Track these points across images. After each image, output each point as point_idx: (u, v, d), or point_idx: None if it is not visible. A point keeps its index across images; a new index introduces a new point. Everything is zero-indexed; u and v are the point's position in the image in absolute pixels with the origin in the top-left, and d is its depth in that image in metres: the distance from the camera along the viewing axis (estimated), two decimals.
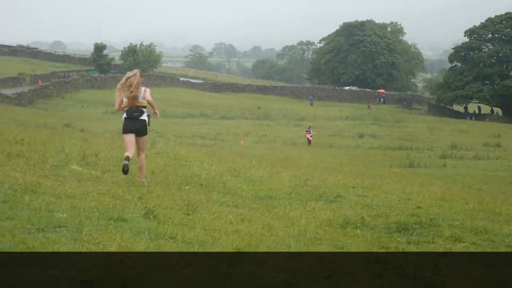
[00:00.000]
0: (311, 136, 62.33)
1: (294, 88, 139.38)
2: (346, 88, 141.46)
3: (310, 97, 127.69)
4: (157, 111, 16.37)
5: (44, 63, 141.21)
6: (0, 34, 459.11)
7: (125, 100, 15.29)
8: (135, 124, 15.56)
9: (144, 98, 15.38)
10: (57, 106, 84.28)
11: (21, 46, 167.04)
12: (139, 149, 15.92)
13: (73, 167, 16.66)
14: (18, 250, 8.24)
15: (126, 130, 15.66)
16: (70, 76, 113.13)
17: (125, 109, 15.50)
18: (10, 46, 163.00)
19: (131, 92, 15.09)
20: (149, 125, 15.99)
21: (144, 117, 15.62)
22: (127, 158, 15.34)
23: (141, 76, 15.51)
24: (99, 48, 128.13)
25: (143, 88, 15.39)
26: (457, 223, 14.33)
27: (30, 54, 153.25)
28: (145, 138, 16.04)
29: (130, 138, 15.63)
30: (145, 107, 15.57)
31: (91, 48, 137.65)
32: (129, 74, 15.35)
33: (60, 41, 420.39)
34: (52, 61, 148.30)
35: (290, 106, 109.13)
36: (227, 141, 55.82)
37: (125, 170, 15.26)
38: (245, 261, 9.41)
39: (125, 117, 15.57)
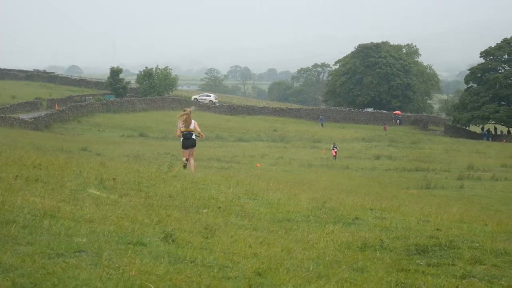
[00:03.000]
0: (336, 151, 66.22)
1: (309, 110, 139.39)
2: (369, 110, 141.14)
3: (320, 117, 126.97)
4: (202, 134, 26.15)
5: (60, 87, 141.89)
6: (16, 59, 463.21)
7: (182, 127, 24.87)
8: (189, 141, 25.21)
9: (194, 127, 25.10)
10: (74, 130, 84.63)
11: (37, 71, 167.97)
12: (191, 156, 25.36)
13: (91, 191, 16.68)
14: (39, 275, 8.25)
15: (184, 146, 25.37)
16: (87, 100, 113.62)
17: (182, 133, 25.06)
18: (26, 71, 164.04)
19: (186, 122, 24.81)
20: (196, 142, 25.77)
21: (193, 137, 25.30)
22: (185, 160, 25.44)
23: (190, 112, 25.17)
24: (115, 72, 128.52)
25: (193, 121, 25.14)
26: (477, 245, 14.23)
27: (46, 79, 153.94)
28: (194, 149, 25.57)
29: (186, 151, 25.35)
30: (193, 131, 25.20)
31: (107, 72, 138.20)
32: (186, 111, 25.13)
33: (76, 66, 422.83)
34: (68, 85, 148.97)
35: (305, 128, 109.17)
36: (243, 163, 55.78)
37: (185, 165, 25.39)
38: (265, 285, 9.38)
39: (183, 139, 25.21)
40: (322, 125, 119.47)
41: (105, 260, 9.26)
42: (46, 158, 24.68)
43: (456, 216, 19.84)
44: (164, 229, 12.26)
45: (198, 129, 25.34)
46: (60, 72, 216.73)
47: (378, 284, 10.38)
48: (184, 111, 25.23)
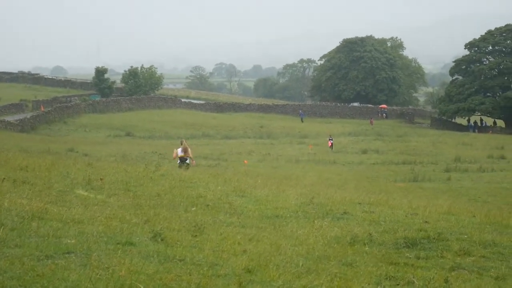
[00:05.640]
0: (331, 143, 70.24)
1: (295, 106, 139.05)
2: (355, 104, 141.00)
3: (300, 111, 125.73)
4: (193, 161, 33.28)
5: (45, 88, 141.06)
6: (1, 61, 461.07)
7: (180, 153, 31.52)
8: (184, 164, 30.97)
9: (188, 154, 31.85)
10: (60, 131, 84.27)
11: (22, 73, 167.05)
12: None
13: (79, 192, 16.66)
14: (28, 278, 8.23)
15: (180, 167, 30.62)
16: (72, 101, 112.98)
17: (179, 157, 31.71)
18: (11, 73, 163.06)
19: (185, 151, 31.60)
20: (190, 165, 31.84)
21: (187, 162, 31.61)
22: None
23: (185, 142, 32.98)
24: (100, 72, 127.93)
25: (189, 149, 32.10)
26: (465, 236, 14.30)
27: (31, 80, 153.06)
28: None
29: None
30: (187, 157, 31.73)
31: (92, 72, 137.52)
32: (184, 142, 32.60)
33: (61, 66, 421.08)
34: (54, 86, 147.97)
35: (292, 124, 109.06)
36: (231, 161, 55.73)
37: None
38: (255, 281, 9.39)
39: (179, 162, 31.55)
40: (302, 120, 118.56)
41: (94, 260, 9.25)
42: (33, 160, 24.62)
43: (444, 209, 19.93)
44: (153, 228, 12.27)
45: (191, 156, 32.45)
46: (45, 73, 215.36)
47: (368, 278, 10.41)
48: (182, 143, 32.57)
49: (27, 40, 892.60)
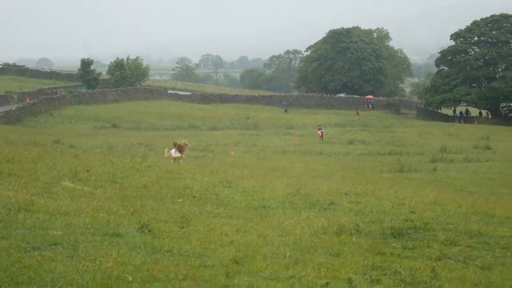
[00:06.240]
0: (322, 132, 70.67)
1: (282, 97, 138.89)
2: (341, 95, 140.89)
3: (284, 102, 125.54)
4: (184, 157, 32.48)
5: (31, 80, 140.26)
6: None
7: (175, 154, 31.03)
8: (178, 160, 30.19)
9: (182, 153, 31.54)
10: (46, 123, 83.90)
11: (7, 64, 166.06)
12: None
13: (65, 183, 16.61)
14: (15, 269, 8.21)
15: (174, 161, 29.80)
16: (58, 93, 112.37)
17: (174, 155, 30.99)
18: None
19: (180, 151, 31.30)
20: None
21: (181, 161, 30.30)
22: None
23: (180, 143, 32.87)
24: (86, 64, 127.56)
25: (184, 151, 32.32)
26: (451, 226, 14.35)
27: (16, 72, 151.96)
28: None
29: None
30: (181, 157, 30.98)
31: (78, 64, 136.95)
32: (178, 142, 32.50)
33: (47, 58, 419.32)
34: (39, 78, 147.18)
35: (278, 115, 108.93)
36: (217, 152, 55.65)
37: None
38: (242, 272, 9.40)
39: (173, 159, 30.53)
40: (286, 111, 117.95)
41: (81, 252, 9.24)
42: (19, 152, 24.53)
43: (430, 199, 19.99)
44: (140, 219, 12.26)
45: (184, 155, 32.62)
46: (30, 65, 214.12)
47: (354, 268, 10.44)
48: (175, 145, 32.58)
49: (12, 32, 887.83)
